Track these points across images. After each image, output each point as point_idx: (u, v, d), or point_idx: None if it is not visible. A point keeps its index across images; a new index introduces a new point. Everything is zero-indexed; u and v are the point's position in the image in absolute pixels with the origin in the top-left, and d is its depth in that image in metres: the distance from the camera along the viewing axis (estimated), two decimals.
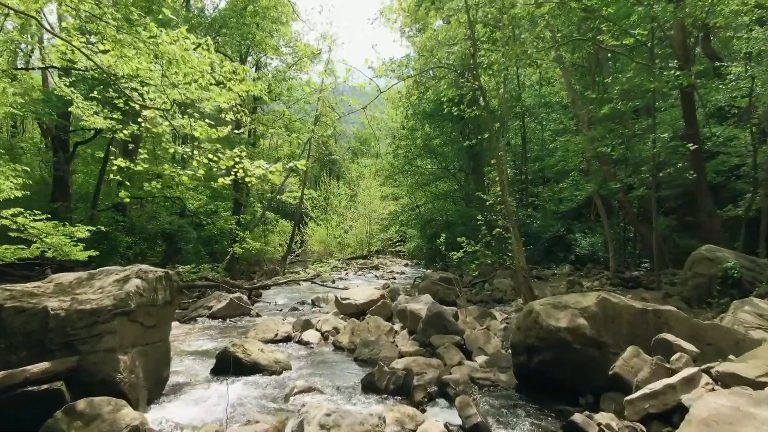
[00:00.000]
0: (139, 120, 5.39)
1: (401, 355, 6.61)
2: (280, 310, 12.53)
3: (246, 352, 6.04)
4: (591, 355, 4.54)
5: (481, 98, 7.08)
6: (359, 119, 43.95)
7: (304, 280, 15.90)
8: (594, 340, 4.56)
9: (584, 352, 4.55)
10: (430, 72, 12.14)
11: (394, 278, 20.92)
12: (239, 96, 6.80)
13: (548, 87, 18.10)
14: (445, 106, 9.70)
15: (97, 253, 7.92)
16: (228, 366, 5.98)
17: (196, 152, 5.17)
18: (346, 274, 23.13)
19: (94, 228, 7.75)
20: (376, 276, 21.57)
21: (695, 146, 8.40)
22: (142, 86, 5.68)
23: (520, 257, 6.58)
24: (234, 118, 6.02)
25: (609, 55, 11.60)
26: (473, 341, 6.59)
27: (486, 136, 12.52)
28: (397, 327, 8.31)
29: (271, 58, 25.64)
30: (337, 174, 37.51)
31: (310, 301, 13.78)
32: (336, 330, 8.18)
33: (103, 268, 5.33)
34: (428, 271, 21.91)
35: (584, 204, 16.60)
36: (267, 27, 20.67)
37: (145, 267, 5.23)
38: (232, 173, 5.33)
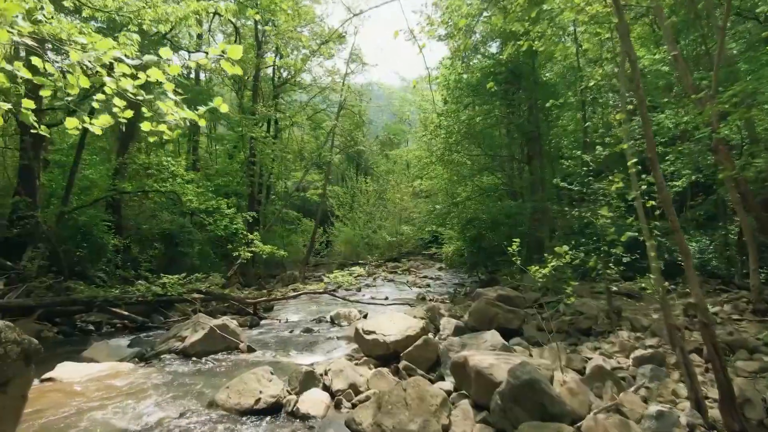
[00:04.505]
0: None
1: None
2: (291, 331, 10.00)
3: None
4: None
5: (615, 12, 4.00)
6: (389, 109, 41.15)
7: (321, 293, 13.14)
8: None
9: None
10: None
11: (428, 285, 17.98)
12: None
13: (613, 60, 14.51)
14: (508, 49, 6.58)
15: None
16: None
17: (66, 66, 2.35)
18: (374, 279, 20.37)
19: None
20: (407, 284, 18.59)
21: None
22: None
23: (693, 285, 3.44)
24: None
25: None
26: None
27: (557, 102, 9.34)
28: (448, 384, 5.27)
29: (295, 45, 22.90)
30: (364, 169, 34.74)
31: (328, 318, 11.26)
32: (354, 390, 5.21)
33: None
34: (468, 278, 18.87)
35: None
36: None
37: None
38: (109, 101, 2.49)
